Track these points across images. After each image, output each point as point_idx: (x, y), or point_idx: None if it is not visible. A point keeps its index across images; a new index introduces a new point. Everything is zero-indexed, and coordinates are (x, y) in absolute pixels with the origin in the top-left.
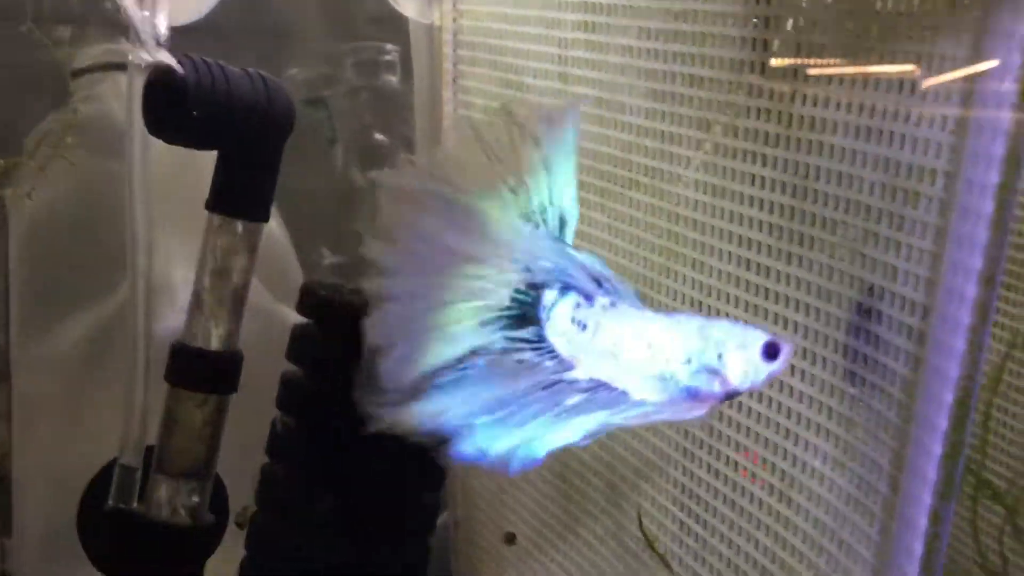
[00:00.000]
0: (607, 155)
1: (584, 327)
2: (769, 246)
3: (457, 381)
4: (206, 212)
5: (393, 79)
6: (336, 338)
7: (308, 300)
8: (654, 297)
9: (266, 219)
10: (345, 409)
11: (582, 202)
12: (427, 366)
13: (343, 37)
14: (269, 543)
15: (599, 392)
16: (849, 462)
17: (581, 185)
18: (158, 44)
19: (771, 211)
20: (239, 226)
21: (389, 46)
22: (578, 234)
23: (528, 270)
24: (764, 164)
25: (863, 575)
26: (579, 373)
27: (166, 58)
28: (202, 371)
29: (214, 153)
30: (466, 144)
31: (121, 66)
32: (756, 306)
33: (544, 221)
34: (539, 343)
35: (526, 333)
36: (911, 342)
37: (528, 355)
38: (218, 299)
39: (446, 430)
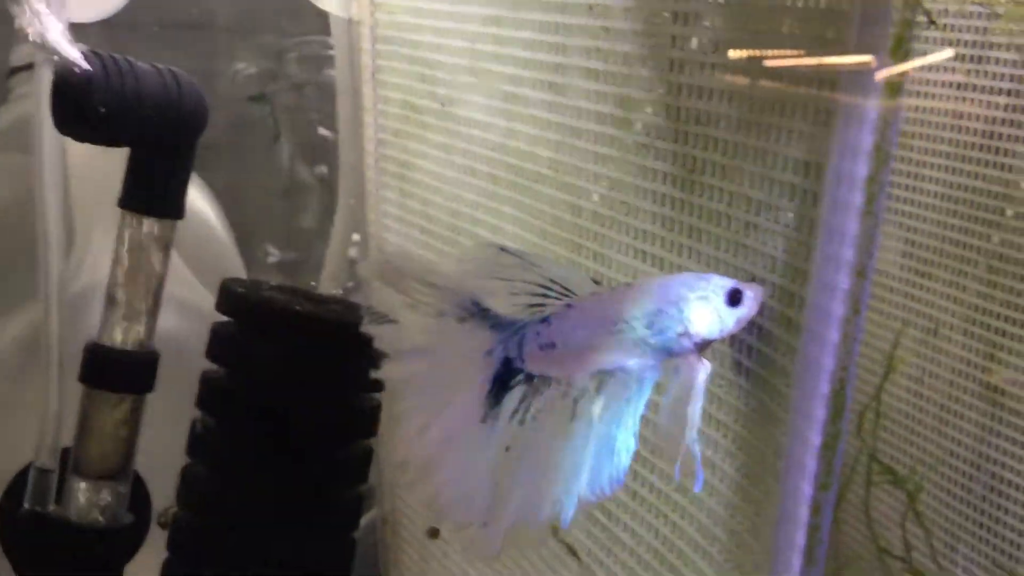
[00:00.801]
0: (514, 149)
1: (553, 345)
2: (662, 238)
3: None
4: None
5: (335, 73)
6: (255, 336)
7: (227, 298)
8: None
9: (180, 216)
10: (265, 408)
11: (492, 196)
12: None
13: (287, 32)
14: (190, 544)
15: (608, 385)
16: (739, 452)
17: (492, 179)
18: (65, 40)
19: (663, 204)
20: (152, 224)
21: (331, 40)
22: (488, 227)
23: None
24: (656, 158)
25: (753, 566)
26: (578, 382)
27: (72, 54)
28: (117, 371)
29: None
30: None
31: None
32: None
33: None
34: (530, 382)
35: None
36: (789, 333)
37: (535, 402)
38: (132, 298)
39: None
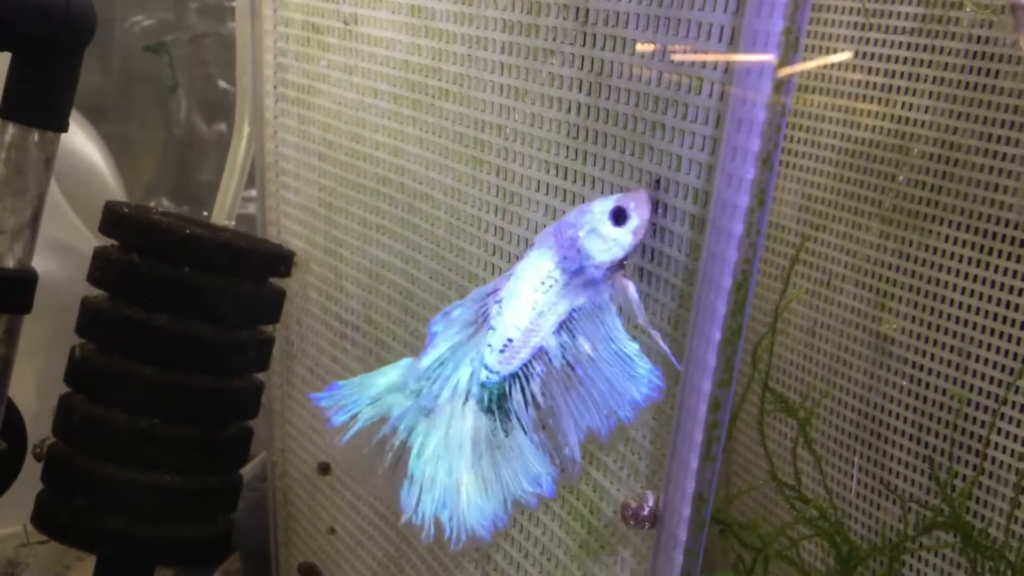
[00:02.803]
0: (418, 65)
1: (509, 340)
2: (567, 147)
3: None
4: None
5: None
6: (141, 259)
7: (111, 219)
8: (461, 208)
9: (64, 129)
10: (148, 332)
11: (394, 116)
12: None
13: None
14: (66, 473)
15: (577, 329)
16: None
17: (394, 98)
18: None
19: (569, 111)
20: (35, 136)
21: None
22: (390, 150)
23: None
24: (563, 63)
25: (647, 468)
26: (551, 346)
27: None
28: None
29: None
30: None
31: None
32: (555, 209)
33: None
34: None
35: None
36: (692, 230)
37: (533, 384)
38: (12, 213)
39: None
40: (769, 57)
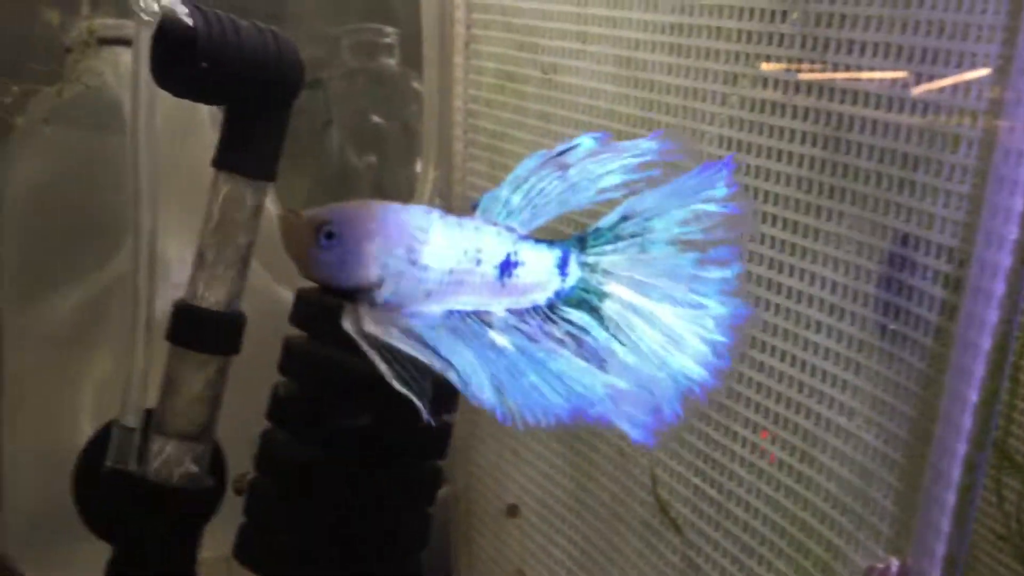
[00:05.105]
0: (625, 115)
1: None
2: (796, 200)
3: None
4: (211, 170)
5: (391, 62)
6: (340, 303)
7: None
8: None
9: (273, 178)
10: (348, 375)
11: None
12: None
13: (341, 20)
14: (267, 509)
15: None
16: (876, 417)
17: None
18: None
19: (800, 164)
20: (245, 184)
21: (388, 29)
22: (596, 214)
23: None
24: (794, 116)
25: (890, 531)
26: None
27: (177, 7)
28: (204, 331)
29: (209, 135)
30: None
31: (117, 41)
32: (781, 262)
33: None
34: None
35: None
36: (947, 290)
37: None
38: (222, 258)
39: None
40: None
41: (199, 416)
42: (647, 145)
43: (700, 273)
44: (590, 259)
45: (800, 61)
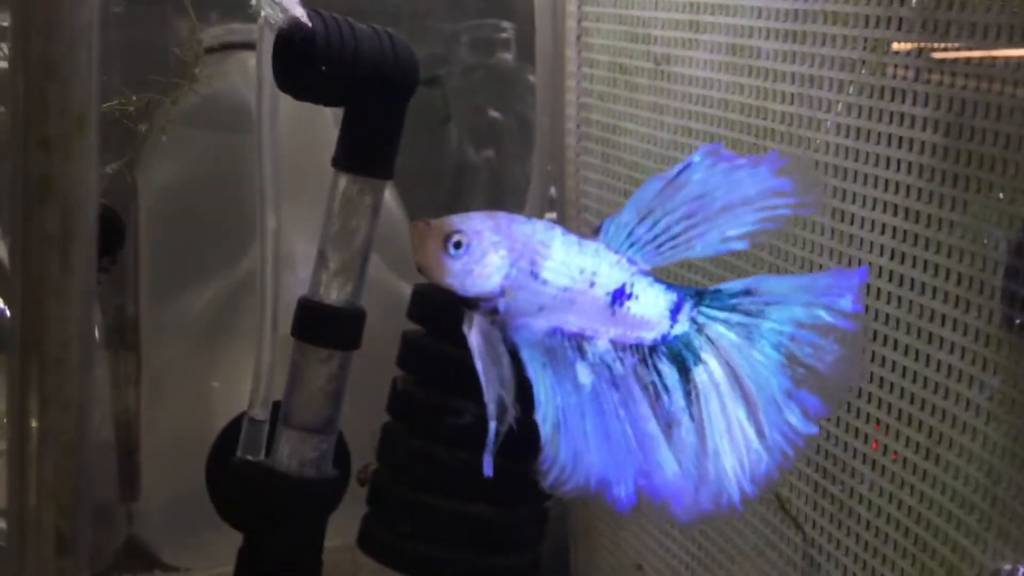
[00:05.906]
0: (738, 104)
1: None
2: (919, 188)
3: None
4: (332, 170)
5: (508, 57)
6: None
7: None
8: (789, 250)
9: (390, 176)
10: (466, 369)
11: None
12: None
13: (458, 17)
14: (390, 500)
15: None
16: (1004, 413)
17: (711, 138)
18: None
19: (922, 151)
20: (364, 183)
21: (505, 24)
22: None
23: None
24: (915, 102)
25: (1018, 532)
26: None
27: (297, 12)
28: (327, 326)
29: (329, 132)
30: None
31: (245, 45)
32: (903, 253)
33: None
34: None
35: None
36: None
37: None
38: (342, 255)
39: None
40: None
41: (323, 409)
42: (770, 183)
43: (782, 406)
44: (700, 318)
45: (921, 45)
